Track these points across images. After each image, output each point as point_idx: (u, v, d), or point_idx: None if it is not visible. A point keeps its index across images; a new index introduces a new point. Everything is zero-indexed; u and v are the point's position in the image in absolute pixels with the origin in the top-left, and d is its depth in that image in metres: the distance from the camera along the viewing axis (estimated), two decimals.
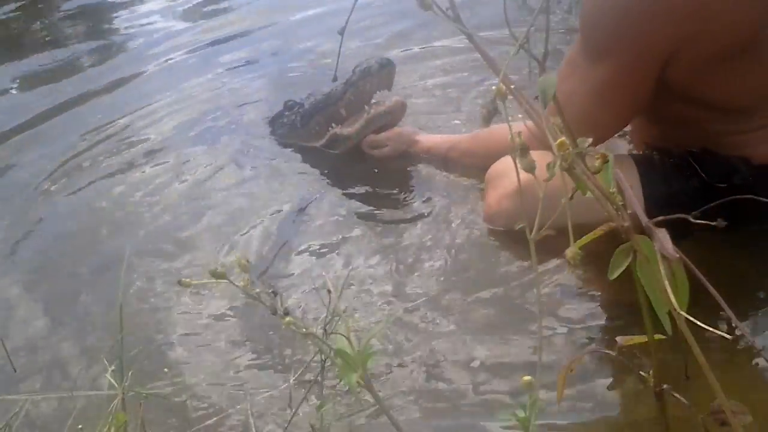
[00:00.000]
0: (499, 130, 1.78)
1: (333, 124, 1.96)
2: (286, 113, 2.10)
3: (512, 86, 0.70)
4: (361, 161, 1.95)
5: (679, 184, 1.46)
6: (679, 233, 0.69)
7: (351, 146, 1.95)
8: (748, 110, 1.42)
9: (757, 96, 1.41)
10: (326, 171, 1.95)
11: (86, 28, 3.60)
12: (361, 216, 1.75)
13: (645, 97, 1.40)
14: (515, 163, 0.68)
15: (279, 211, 1.80)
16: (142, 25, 3.50)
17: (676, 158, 1.49)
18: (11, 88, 2.95)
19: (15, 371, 1.41)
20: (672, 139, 1.53)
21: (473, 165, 1.79)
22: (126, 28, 3.49)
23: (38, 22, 3.71)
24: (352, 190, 1.86)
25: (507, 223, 1.53)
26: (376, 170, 1.91)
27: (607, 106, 1.34)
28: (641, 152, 1.61)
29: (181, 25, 3.41)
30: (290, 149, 2.07)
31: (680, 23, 1.24)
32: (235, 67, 2.77)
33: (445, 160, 1.87)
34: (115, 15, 3.71)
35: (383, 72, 1.88)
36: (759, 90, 1.40)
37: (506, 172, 1.51)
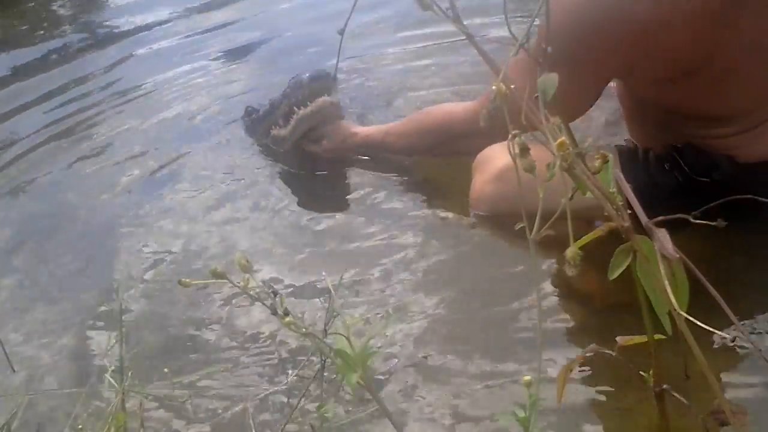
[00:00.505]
0: (435, 109, 1.81)
1: (272, 128, 2.03)
2: (246, 119, 2.16)
3: (512, 86, 0.70)
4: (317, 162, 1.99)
5: (660, 175, 1.50)
6: (675, 225, 0.69)
7: (289, 147, 2.01)
8: (729, 118, 1.45)
9: (733, 107, 1.44)
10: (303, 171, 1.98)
11: (74, 8, 3.57)
12: (347, 213, 1.78)
13: (590, 104, 1.49)
14: (512, 154, 0.68)
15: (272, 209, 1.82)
16: (131, 8, 3.49)
17: (660, 151, 1.52)
18: None
19: (14, 371, 1.40)
20: (657, 139, 1.56)
21: (411, 146, 1.83)
22: (115, 12, 3.48)
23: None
24: (327, 189, 1.90)
25: (490, 207, 1.58)
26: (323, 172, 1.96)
27: None
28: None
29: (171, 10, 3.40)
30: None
31: (626, 51, 1.32)
32: (222, 55, 2.79)
33: (383, 145, 1.89)
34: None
35: (314, 84, 1.92)
36: (733, 102, 1.43)
37: (490, 158, 1.55)
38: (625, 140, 1.74)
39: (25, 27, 3.33)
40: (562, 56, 1.41)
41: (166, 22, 3.18)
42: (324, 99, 1.93)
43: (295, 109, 1.94)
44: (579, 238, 0.66)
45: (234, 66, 2.68)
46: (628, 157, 1.52)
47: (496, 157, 1.54)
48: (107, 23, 3.31)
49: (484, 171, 1.57)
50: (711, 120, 1.45)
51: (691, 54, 1.35)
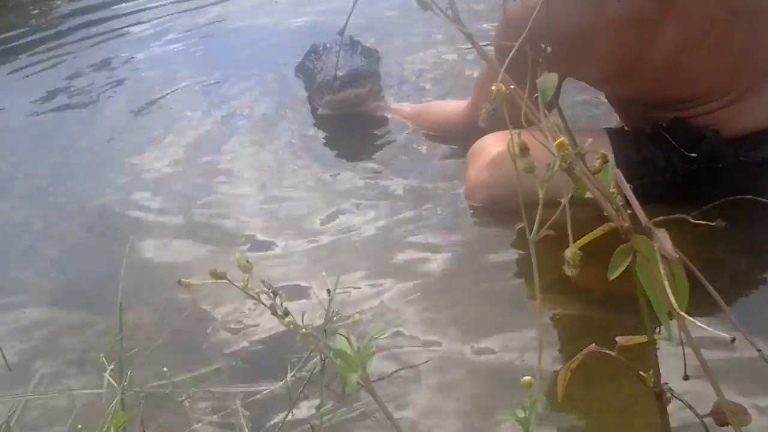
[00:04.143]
0: (434, 109, 2.06)
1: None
2: (312, 56, 2.31)
3: (512, 86, 0.69)
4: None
5: (649, 150, 1.58)
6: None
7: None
8: (697, 99, 1.53)
9: (692, 92, 1.53)
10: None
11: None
12: (347, 208, 1.79)
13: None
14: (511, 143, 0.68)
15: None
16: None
17: (649, 131, 1.61)
18: None
19: (10, 370, 1.40)
20: (643, 122, 1.64)
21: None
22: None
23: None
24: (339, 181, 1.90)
25: (487, 194, 1.63)
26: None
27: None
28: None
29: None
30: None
31: (563, 56, 1.43)
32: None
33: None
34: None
35: (345, 91, 2.07)
36: (690, 89, 1.52)
37: (483, 149, 1.63)
38: (615, 121, 1.79)
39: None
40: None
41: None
42: (348, 93, 2.07)
43: (326, 97, 2.10)
44: (582, 231, 0.67)
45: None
46: (619, 138, 1.59)
47: (489, 146, 1.61)
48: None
49: (478, 160, 1.64)
50: (680, 102, 1.54)
51: (621, 58, 1.44)
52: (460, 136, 1.90)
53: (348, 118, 2.12)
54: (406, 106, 2.14)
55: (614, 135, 1.61)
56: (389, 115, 2.13)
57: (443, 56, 2.47)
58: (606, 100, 1.86)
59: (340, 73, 2.06)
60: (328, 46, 2.29)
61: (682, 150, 1.55)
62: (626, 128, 1.69)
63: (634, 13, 1.40)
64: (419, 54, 2.51)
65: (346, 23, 0.88)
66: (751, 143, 1.55)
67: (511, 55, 0.68)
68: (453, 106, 1.98)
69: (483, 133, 1.68)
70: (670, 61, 1.45)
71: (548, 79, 0.68)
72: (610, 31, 1.41)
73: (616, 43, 1.42)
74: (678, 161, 1.56)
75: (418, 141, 2.02)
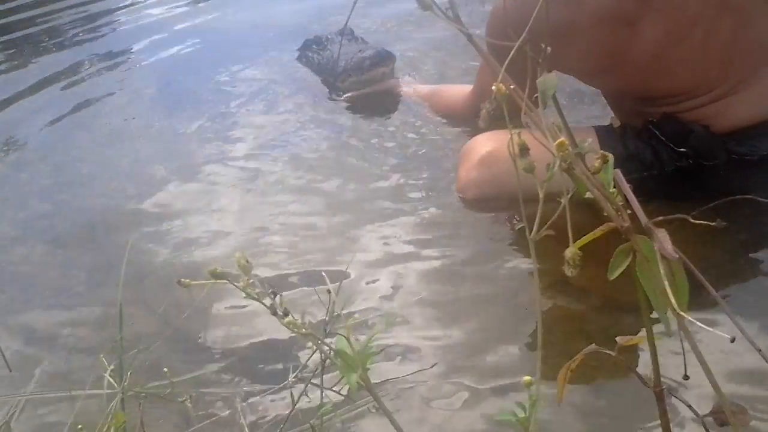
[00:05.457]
0: (444, 93, 2.15)
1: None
2: (314, 47, 2.43)
3: (512, 86, 0.69)
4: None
5: (636, 145, 1.60)
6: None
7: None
8: (684, 94, 1.54)
9: (678, 87, 1.54)
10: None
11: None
12: (348, 205, 1.80)
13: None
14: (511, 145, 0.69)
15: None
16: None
17: (640, 127, 1.62)
18: None
19: (10, 371, 1.40)
20: (635, 116, 1.65)
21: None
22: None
23: None
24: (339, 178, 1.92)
25: (478, 192, 1.66)
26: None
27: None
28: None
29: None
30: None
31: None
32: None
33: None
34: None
35: (372, 70, 2.22)
36: (675, 83, 1.53)
37: (473, 148, 1.67)
38: (611, 118, 1.80)
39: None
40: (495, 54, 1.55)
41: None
42: (376, 71, 2.24)
43: (353, 78, 2.25)
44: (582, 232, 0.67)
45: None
46: (606, 134, 1.61)
47: (479, 146, 1.65)
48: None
49: (468, 159, 1.68)
50: (668, 97, 1.55)
51: (602, 53, 1.46)
52: (467, 118, 1.98)
53: (367, 99, 2.25)
54: (421, 87, 2.26)
55: (601, 131, 1.63)
56: (405, 95, 2.26)
57: (447, 39, 2.56)
58: (600, 97, 1.87)
59: (367, 54, 2.22)
60: (329, 37, 2.40)
61: (670, 145, 1.56)
62: (615, 124, 1.71)
63: (613, 10, 1.42)
64: (422, 36, 2.63)
65: (346, 24, 0.88)
66: (739, 138, 1.55)
67: (511, 55, 0.68)
68: (460, 90, 2.06)
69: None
70: (653, 56, 1.47)
71: (548, 80, 0.68)
72: (589, 27, 1.42)
73: (596, 39, 1.44)
74: (666, 156, 1.57)
75: (428, 125, 2.11)
